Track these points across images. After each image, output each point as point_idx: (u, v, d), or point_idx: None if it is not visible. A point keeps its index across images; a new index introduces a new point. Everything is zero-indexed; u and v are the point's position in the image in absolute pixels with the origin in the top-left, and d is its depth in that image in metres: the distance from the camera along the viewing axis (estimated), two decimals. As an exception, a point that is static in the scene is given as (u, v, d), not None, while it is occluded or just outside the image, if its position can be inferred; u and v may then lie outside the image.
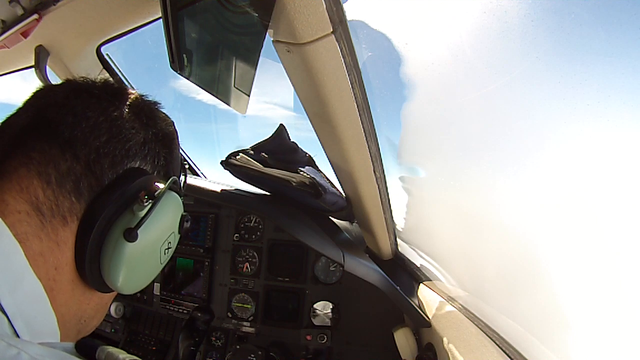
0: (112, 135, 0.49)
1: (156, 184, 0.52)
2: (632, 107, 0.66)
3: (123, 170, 0.49)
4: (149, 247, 0.52)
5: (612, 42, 0.66)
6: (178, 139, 0.63)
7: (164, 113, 0.61)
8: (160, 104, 0.61)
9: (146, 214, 0.48)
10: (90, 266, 0.47)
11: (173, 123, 0.62)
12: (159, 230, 0.53)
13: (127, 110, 0.52)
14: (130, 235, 0.46)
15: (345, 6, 0.55)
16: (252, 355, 1.32)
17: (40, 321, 0.42)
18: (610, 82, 0.67)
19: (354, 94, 0.68)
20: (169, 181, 0.53)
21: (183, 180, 0.66)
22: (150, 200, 0.49)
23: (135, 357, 0.51)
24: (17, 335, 0.39)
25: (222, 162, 1.35)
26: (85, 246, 0.46)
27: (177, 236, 0.58)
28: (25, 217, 0.42)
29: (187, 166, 0.62)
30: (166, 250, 0.57)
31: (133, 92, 0.57)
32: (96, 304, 0.54)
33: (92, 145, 0.47)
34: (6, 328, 0.38)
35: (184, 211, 0.59)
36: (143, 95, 0.58)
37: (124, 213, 0.48)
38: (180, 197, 0.58)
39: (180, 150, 0.64)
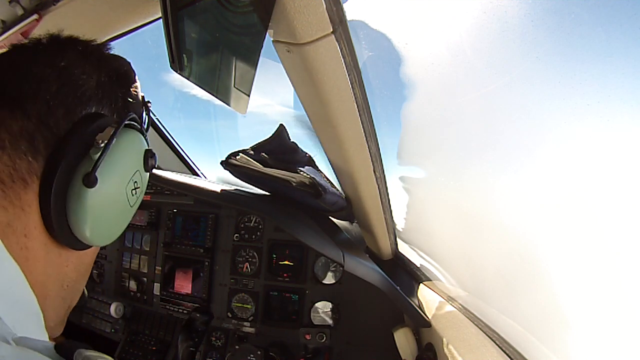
0: (62, 84, 0.47)
1: (113, 125, 0.50)
2: (632, 107, 0.66)
3: (79, 118, 0.47)
4: (112, 189, 0.49)
5: (612, 42, 0.66)
6: (135, 76, 0.60)
7: (116, 54, 0.59)
8: (110, 46, 0.58)
9: (101, 156, 0.46)
10: (58, 222, 0.45)
11: (128, 62, 0.59)
12: (120, 170, 0.51)
13: (74, 56, 0.50)
14: (89, 180, 0.44)
15: (345, 6, 0.55)
16: (252, 355, 1.32)
17: (20, 306, 0.41)
18: (610, 82, 0.67)
19: (354, 94, 0.68)
20: (124, 119, 0.51)
21: (146, 117, 0.63)
22: (105, 141, 0.47)
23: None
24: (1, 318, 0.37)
25: (222, 162, 1.35)
26: (48, 203, 0.44)
27: (144, 175, 0.56)
28: None
29: (149, 104, 0.61)
30: (134, 191, 0.54)
31: (81, 39, 0.54)
32: (75, 264, 0.52)
33: (41, 99, 0.45)
34: None
35: (150, 150, 0.57)
36: (92, 41, 0.55)
37: (82, 161, 0.46)
38: (144, 134, 0.57)
39: (139, 90, 0.62)
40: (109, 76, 0.53)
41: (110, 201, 0.50)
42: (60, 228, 0.46)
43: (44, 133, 0.44)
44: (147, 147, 0.57)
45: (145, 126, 0.63)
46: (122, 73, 0.56)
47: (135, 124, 0.55)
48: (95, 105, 0.50)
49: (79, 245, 0.49)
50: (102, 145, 0.46)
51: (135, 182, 0.54)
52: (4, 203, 0.42)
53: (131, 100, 0.58)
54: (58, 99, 0.46)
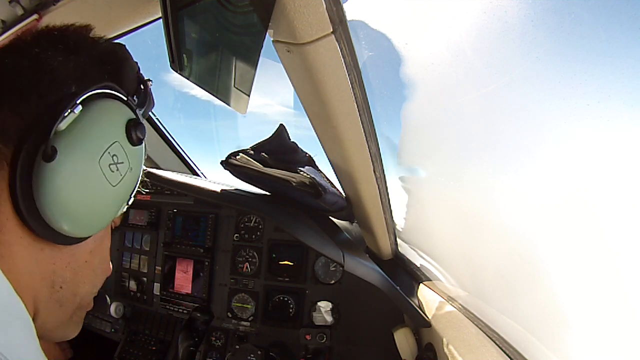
0: (35, 70, 0.44)
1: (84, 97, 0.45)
2: (632, 107, 0.66)
3: (54, 99, 0.44)
4: (79, 163, 0.44)
5: (612, 42, 0.66)
6: (128, 56, 0.54)
7: (103, 38, 0.54)
8: (92, 27, 0.53)
9: (55, 123, 0.41)
10: (26, 207, 0.41)
11: (119, 44, 0.55)
12: (88, 140, 0.44)
13: (48, 42, 0.47)
14: (45, 153, 0.40)
15: (345, 6, 0.55)
16: (252, 355, 1.32)
17: (5, 311, 0.38)
18: (610, 82, 0.67)
19: (354, 94, 0.68)
20: (93, 88, 0.46)
21: (146, 95, 0.57)
22: (69, 110, 0.43)
23: None
24: None
25: (222, 162, 1.35)
26: (15, 187, 0.40)
27: (128, 147, 0.49)
28: None
29: (150, 83, 0.54)
30: (113, 167, 0.47)
31: (58, 26, 0.51)
32: (67, 262, 0.48)
33: (13, 89, 0.43)
34: None
35: (135, 119, 0.51)
36: (70, 25, 0.52)
37: (48, 136, 0.42)
38: (133, 108, 0.51)
39: (136, 69, 0.56)
40: (91, 56, 0.49)
41: (80, 178, 0.44)
42: (30, 215, 0.42)
43: (14, 120, 0.42)
44: (131, 117, 0.51)
45: (145, 104, 0.57)
46: (106, 51, 0.52)
47: (118, 94, 0.50)
48: (75, 86, 0.46)
49: (60, 238, 0.45)
50: (67, 114, 0.43)
51: (115, 155, 0.47)
52: None
53: (120, 78, 0.52)
54: (31, 84, 0.44)
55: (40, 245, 0.44)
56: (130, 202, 0.55)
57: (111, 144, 0.47)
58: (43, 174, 0.41)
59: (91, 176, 0.45)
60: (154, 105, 0.59)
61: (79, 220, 0.45)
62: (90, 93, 0.46)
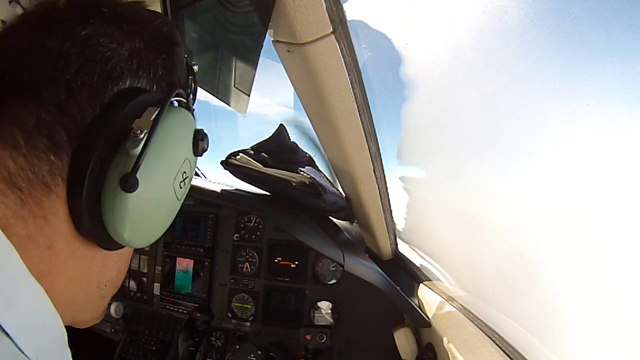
0: (86, 60, 0.37)
1: (150, 107, 0.39)
2: (632, 107, 0.66)
3: (109, 98, 0.38)
4: (158, 188, 0.41)
5: (612, 42, 0.66)
6: (177, 35, 0.47)
7: (153, 11, 0.47)
8: (144, 2, 0.46)
9: (142, 153, 0.37)
10: (93, 230, 0.38)
11: (169, 22, 0.47)
12: (167, 164, 0.41)
13: (99, 22, 0.39)
14: (127, 183, 0.36)
15: (345, 6, 0.55)
16: (252, 355, 1.32)
17: (42, 332, 0.35)
18: (610, 82, 0.67)
19: (354, 94, 0.68)
20: (169, 96, 0.41)
21: (193, 87, 0.52)
22: (145, 131, 0.37)
23: None
24: (22, 353, 0.32)
25: (222, 162, 1.35)
26: (80, 211, 0.37)
27: (193, 160, 0.47)
28: (0, 198, 0.33)
29: (196, 68, 0.50)
30: (182, 183, 0.45)
31: (107, 0, 0.42)
32: (114, 262, 0.46)
33: (59, 82, 0.36)
34: (7, 347, 0.31)
35: (197, 128, 0.46)
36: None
37: (117, 155, 0.37)
38: (191, 110, 0.47)
39: (183, 53, 0.49)
40: (146, 41, 0.42)
41: (155, 201, 0.42)
42: (97, 235, 0.39)
43: (65, 124, 0.36)
44: (196, 127, 0.47)
45: (192, 98, 0.52)
46: (162, 34, 0.45)
47: (182, 99, 0.45)
48: (130, 79, 0.40)
49: (118, 246, 0.43)
50: (142, 136, 0.37)
51: (184, 173, 0.45)
52: (22, 213, 0.34)
53: (175, 67, 0.47)
54: (81, 79, 0.37)
55: (93, 254, 0.42)
56: None
57: (183, 162, 0.44)
58: (117, 202, 0.38)
59: (165, 197, 0.43)
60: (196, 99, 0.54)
61: (143, 233, 0.43)
62: (166, 106, 0.39)
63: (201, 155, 0.48)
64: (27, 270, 0.33)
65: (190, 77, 0.51)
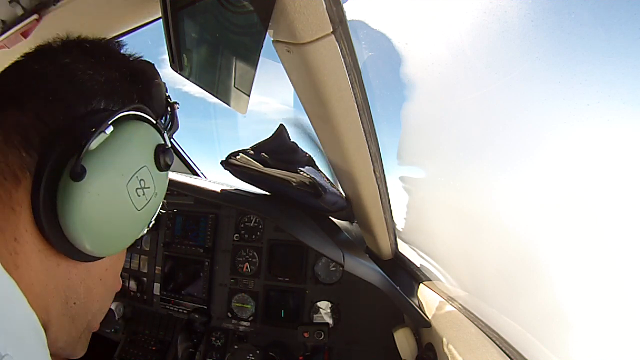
0: (64, 80, 0.44)
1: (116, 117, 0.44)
2: (632, 107, 0.66)
3: (82, 113, 0.44)
4: (107, 185, 0.43)
5: (612, 42, 0.66)
6: (156, 76, 0.55)
7: (133, 54, 0.55)
8: (124, 43, 0.54)
9: (87, 143, 0.40)
10: (48, 222, 0.40)
11: (147, 62, 0.55)
12: (117, 163, 0.44)
13: (79, 53, 0.48)
14: (74, 171, 0.39)
15: (345, 6, 0.55)
16: (251, 355, 1.32)
17: (11, 321, 0.36)
18: (610, 82, 0.67)
19: (354, 94, 0.68)
20: (126, 109, 0.46)
21: (170, 117, 0.58)
22: (100, 130, 0.42)
23: None
24: None
25: (222, 162, 1.35)
26: (38, 200, 0.40)
27: (157, 174, 0.50)
28: None
29: (177, 106, 0.61)
30: (140, 191, 0.47)
31: (89, 38, 0.51)
32: (82, 278, 0.47)
33: (39, 95, 0.42)
34: None
35: (164, 145, 0.51)
36: (102, 39, 0.52)
37: (79, 157, 0.41)
38: (160, 131, 0.51)
39: (164, 90, 0.57)
40: (121, 72, 0.50)
41: (106, 200, 0.43)
42: (51, 229, 0.41)
43: (38, 127, 0.41)
44: (160, 142, 0.51)
45: (170, 127, 0.58)
46: (137, 69, 0.53)
47: (147, 116, 0.50)
48: (105, 101, 0.46)
49: (79, 255, 0.44)
50: (96, 134, 0.42)
51: (142, 180, 0.47)
52: None
53: (152, 98, 0.54)
54: (58, 95, 0.43)
55: (57, 259, 0.43)
56: (150, 226, 0.54)
57: (140, 169, 0.47)
58: (69, 191, 0.40)
59: (117, 199, 0.45)
60: (178, 129, 0.61)
61: (100, 240, 0.45)
62: (122, 114, 0.45)
63: (165, 170, 0.51)
64: None
65: (168, 109, 0.58)
